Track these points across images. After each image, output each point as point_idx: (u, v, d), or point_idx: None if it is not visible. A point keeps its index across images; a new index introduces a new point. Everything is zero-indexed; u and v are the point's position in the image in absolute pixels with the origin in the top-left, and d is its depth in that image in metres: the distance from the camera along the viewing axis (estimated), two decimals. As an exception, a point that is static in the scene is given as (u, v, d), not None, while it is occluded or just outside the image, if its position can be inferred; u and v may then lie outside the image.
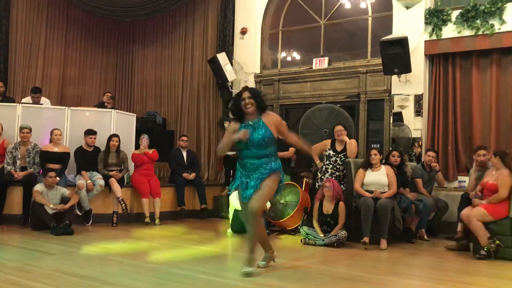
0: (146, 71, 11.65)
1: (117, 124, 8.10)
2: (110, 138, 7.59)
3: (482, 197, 5.66)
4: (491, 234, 5.33)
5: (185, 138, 8.71)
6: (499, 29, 7.30)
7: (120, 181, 7.48)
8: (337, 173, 6.72)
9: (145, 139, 7.89)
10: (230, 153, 8.82)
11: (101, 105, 9.27)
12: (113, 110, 8.39)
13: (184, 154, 8.51)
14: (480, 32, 7.43)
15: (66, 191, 6.74)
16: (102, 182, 7.26)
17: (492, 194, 5.52)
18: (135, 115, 9.15)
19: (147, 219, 7.40)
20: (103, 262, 4.76)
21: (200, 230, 7.37)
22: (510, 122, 7.34)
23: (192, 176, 8.26)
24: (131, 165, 7.94)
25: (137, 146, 8.09)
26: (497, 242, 5.27)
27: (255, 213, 4.15)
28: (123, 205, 7.20)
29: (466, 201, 6.05)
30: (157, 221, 7.46)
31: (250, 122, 4.25)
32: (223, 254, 5.70)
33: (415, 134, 7.87)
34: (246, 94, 4.22)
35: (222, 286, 3.90)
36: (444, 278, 4.46)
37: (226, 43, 9.94)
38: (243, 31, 9.90)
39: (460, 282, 4.33)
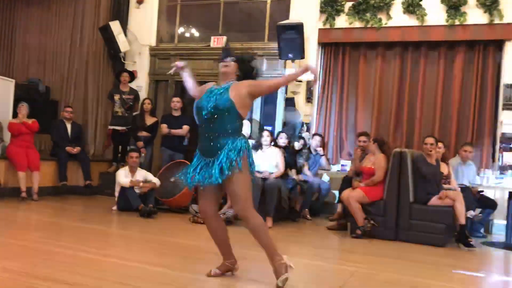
0: (29, 34, 10.61)
1: (-8, 89, 7.36)
2: (-18, 104, 6.88)
3: (361, 180, 6.07)
4: (367, 214, 5.74)
5: (69, 109, 8.19)
6: (386, 23, 7.78)
7: (-7, 152, 6.84)
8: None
9: (24, 108, 7.27)
10: (119, 127, 8.47)
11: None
12: (-13, 73, 7.59)
13: (69, 126, 8.03)
14: (369, 25, 7.86)
15: None
16: (-29, 152, 6.58)
17: (370, 178, 5.93)
18: (13, 80, 8.36)
19: (24, 194, 6.87)
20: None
21: (83, 207, 7.02)
22: (390, 112, 7.91)
23: (76, 150, 7.84)
24: (7, 135, 7.30)
25: (15, 115, 7.42)
26: (372, 222, 5.69)
27: (249, 217, 3.28)
28: (-4, 178, 6.60)
29: (346, 183, 6.47)
30: (35, 196, 6.97)
31: (216, 88, 3.44)
32: (106, 232, 5.45)
33: (305, 119, 8.16)
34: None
35: (103, 265, 3.72)
36: (324, 255, 4.71)
37: (120, 12, 9.40)
38: (139, 1, 9.46)
39: (338, 259, 4.61)
